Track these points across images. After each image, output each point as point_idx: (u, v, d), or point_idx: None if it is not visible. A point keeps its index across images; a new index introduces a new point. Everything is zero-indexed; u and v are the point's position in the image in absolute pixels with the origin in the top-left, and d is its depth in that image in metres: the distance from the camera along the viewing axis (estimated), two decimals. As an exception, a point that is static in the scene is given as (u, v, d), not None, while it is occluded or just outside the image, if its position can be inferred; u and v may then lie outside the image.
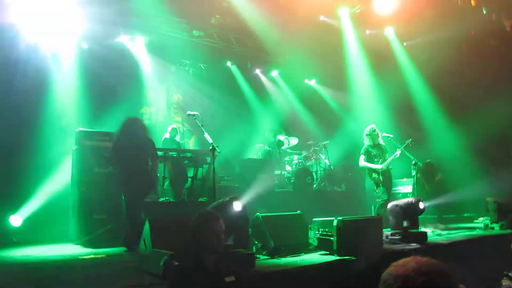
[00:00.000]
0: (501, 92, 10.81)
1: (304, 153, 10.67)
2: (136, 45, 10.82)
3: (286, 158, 10.76)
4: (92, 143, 7.40)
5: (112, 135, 7.60)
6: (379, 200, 7.89)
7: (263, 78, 13.44)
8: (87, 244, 6.56)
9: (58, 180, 7.90)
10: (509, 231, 6.91)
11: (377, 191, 8.01)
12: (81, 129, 7.56)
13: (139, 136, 6.25)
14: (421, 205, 6.16)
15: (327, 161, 10.75)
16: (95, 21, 9.52)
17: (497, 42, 11.43)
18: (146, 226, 4.67)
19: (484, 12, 10.84)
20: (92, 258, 5.41)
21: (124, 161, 6.10)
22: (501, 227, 7.34)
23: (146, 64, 11.18)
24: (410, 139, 8.03)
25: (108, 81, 9.82)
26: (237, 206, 4.49)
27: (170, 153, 8.29)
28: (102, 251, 5.89)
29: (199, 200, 8.22)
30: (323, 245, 5.20)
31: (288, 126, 12.18)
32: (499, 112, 10.56)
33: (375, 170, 7.97)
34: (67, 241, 7.02)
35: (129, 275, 4.26)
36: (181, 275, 3.10)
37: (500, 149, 10.93)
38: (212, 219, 3.21)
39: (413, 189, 8.88)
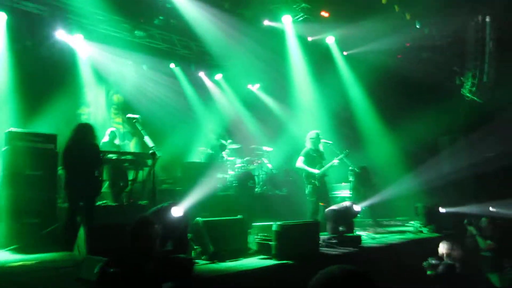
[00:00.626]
0: (432, 101, 11.52)
1: (246, 157, 10.75)
2: (74, 43, 10.38)
3: (229, 162, 10.78)
4: (24, 144, 7.02)
5: (46, 136, 7.28)
6: (314, 205, 8.02)
7: (207, 81, 13.39)
8: (17, 249, 6.22)
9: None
10: (436, 234, 7.35)
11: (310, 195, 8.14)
12: (12, 129, 7.15)
13: (86, 142, 6.23)
14: (356, 207, 6.42)
15: (269, 165, 10.89)
16: (30, 16, 9.09)
17: (429, 54, 12.14)
18: (81, 231, 4.51)
19: (418, 26, 11.46)
20: (21, 265, 5.13)
21: (70, 165, 6.13)
22: (429, 231, 7.80)
23: (85, 62, 10.75)
24: (348, 151, 8.28)
25: (43, 80, 9.38)
26: (175, 211, 4.42)
27: (109, 155, 8.04)
28: (32, 257, 5.60)
29: (139, 203, 8.03)
30: (262, 249, 5.27)
31: (231, 130, 12.22)
32: (430, 120, 11.26)
33: (311, 174, 8.02)
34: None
35: (62, 282, 4.09)
36: (117, 281, 3.03)
37: (431, 154, 11.60)
38: (146, 225, 3.18)
39: (351, 193, 9.25)
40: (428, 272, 5.52)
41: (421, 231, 7.87)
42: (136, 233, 3.15)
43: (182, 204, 4.78)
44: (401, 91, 11.43)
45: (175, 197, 8.76)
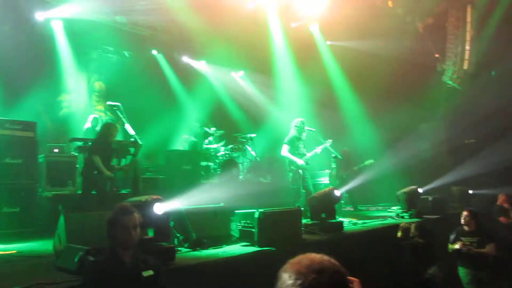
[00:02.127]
0: (413, 87, 11.65)
1: (230, 145, 10.73)
2: (53, 28, 10.15)
3: (212, 150, 10.75)
4: (2, 132, 6.90)
5: (25, 124, 7.15)
6: (296, 192, 8.10)
7: (190, 68, 13.26)
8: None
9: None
10: (416, 219, 7.48)
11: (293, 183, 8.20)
12: (-10, 116, 7.02)
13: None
14: (337, 192, 6.48)
15: (253, 153, 10.90)
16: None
17: (411, 43, 12.20)
18: (61, 220, 4.47)
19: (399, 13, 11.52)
20: (0, 254, 5.07)
21: None
22: (410, 216, 7.93)
23: (64, 49, 10.52)
24: (331, 140, 8.36)
25: (22, 65, 9.16)
26: (158, 208, 4.29)
27: (90, 143, 7.94)
28: (12, 247, 5.55)
29: (122, 192, 7.98)
30: (244, 236, 5.29)
31: (214, 117, 12.15)
32: (411, 107, 11.40)
33: (295, 163, 8.06)
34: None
35: (42, 271, 4.06)
36: (97, 270, 3.03)
37: (411, 141, 11.76)
38: (125, 213, 3.15)
39: (329, 179, 9.31)
40: None
41: (402, 217, 8.00)
42: (114, 222, 3.13)
43: (166, 201, 4.56)
44: (383, 78, 11.48)
45: (158, 187, 8.80)
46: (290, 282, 1.34)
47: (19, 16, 9.35)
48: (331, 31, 12.33)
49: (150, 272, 3.17)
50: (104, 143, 6.80)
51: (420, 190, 8.46)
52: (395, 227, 6.65)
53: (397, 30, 12.11)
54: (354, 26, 11.57)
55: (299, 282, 1.32)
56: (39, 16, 9.68)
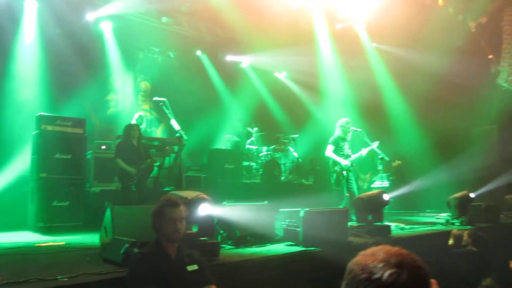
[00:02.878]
0: (464, 90, 11.14)
1: (272, 145, 10.66)
2: (102, 30, 10.46)
3: (254, 150, 10.72)
4: (53, 128, 7.13)
5: (75, 120, 7.36)
6: (339, 194, 7.87)
7: (233, 68, 13.30)
8: (45, 231, 6.32)
9: (17, 165, 7.59)
10: (468, 227, 7.09)
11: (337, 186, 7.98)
12: (42, 113, 7.26)
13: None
14: (385, 196, 6.23)
15: (295, 154, 10.78)
16: (59, 2, 9.19)
17: (463, 43, 11.71)
18: (107, 213, 4.51)
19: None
20: (49, 246, 5.20)
21: None
22: (461, 223, 7.53)
23: (113, 50, 10.82)
24: (378, 142, 8.08)
25: (72, 65, 9.49)
26: (203, 210, 4.18)
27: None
28: (61, 239, 5.68)
29: (165, 189, 8.06)
30: (289, 235, 5.17)
31: (257, 118, 12.13)
32: (463, 111, 10.90)
33: (338, 163, 7.83)
34: (26, 229, 6.75)
35: (88, 263, 4.10)
36: (142, 262, 2.99)
37: (463, 146, 11.25)
38: (170, 205, 3.09)
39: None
40: None
41: (453, 223, 7.62)
42: (161, 214, 3.08)
43: (211, 201, 4.35)
44: (432, 80, 11.06)
45: (200, 186, 8.84)
46: (363, 276, 1.18)
47: (71, 19, 9.67)
48: (378, 32, 12.02)
49: (195, 267, 3.12)
50: (126, 144, 6.89)
51: (472, 195, 8.01)
52: (446, 233, 6.35)
53: (448, 30, 11.63)
54: (402, 27, 11.22)
55: (375, 277, 1.16)
56: (89, 17, 9.97)
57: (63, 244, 5.31)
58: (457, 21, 11.96)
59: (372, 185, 10.15)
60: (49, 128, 7.09)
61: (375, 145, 7.98)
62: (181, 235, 3.12)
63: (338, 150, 7.87)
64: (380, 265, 1.18)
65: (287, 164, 10.79)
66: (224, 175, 9.07)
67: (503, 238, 7.48)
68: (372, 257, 1.22)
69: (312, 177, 10.70)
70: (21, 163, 7.52)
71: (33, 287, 3.15)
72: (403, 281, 1.16)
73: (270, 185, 9.44)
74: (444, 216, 8.26)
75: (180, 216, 3.10)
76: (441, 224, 7.77)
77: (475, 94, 11.39)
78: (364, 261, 1.22)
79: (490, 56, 12.03)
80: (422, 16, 11.09)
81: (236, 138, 10.74)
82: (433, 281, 1.32)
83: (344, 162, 7.79)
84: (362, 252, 1.27)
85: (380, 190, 6.65)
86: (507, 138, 11.05)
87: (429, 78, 11.23)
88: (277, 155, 10.53)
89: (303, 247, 4.88)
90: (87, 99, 9.76)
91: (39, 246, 5.18)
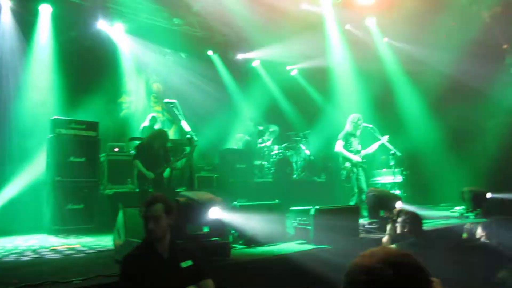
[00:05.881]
0: (478, 82, 10.96)
1: (284, 144, 10.65)
2: (115, 32, 10.58)
3: (266, 148, 10.72)
4: (68, 132, 7.26)
5: (88, 124, 7.47)
6: (350, 190, 7.84)
7: (244, 67, 13.32)
8: (60, 233, 6.45)
9: (33, 169, 7.74)
10: (483, 219, 7.01)
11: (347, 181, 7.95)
12: (56, 117, 7.39)
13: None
14: (398, 204, 6.18)
15: (307, 152, 10.76)
16: (73, 7, 9.32)
17: (477, 34, 11.51)
18: (120, 215, 4.59)
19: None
20: (65, 248, 5.31)
21: None
22: (476, 216, 7.45)
23: (125, 52, 10.94)
24: (388, 136, 8.02)
25: (85, 69, 9.63)
26: (213, 213, 4.18)
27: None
28: (75, 242, 5.79)
29: (178, 190, 8.12)
30: (300, 234, 5.19)
31: (269, 116, 12.12)
32: (477, 102, 10.75)
33: (350, 160, 7.81)
34: (41, 231, 6.89)
35: (103, 265, 4.19)
36: (132, 263, 2.95)
37: (477, 138, 11.09)
38: (146, 205, 3.06)
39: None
40: None
41: (467, 217, 7.53)
42: (141, 213, 3.09)
43: (223, 204, 4.30)
44: (445, 72, 10.90)
45: (212, 186, 8.88)
46: (362, 278, 1.17)
47: (83, 22, 9.80)
48: (389, 25, 11.87)
49: (189, 263, 3.07)
50: (148, 147, 6.85)
51: (489, 195, 7.90)
52: (460, 227, 6.31)
53: (461, 21, 11.44)
54: (413, 19, 11.07)
55: (372, 278, 1.15)
56: (102, 21, 10.07)
57: (77, 247, 5.41)
58: (471, 11, 11.75)
59: (384, 181, 10.04)
60: (63, 131, 7.23)
61: (385, 139, 7.93)
62: (159, 233, 3.02)
63: (347, 145, 7.84)
64: (379, 266, 1.16)
65: (299, 162, 10.77)
66: (236, 174, 9.11)
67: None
68: (371, 258, 1.20)
69: (324, 174, 10.67)
70: (37, 166, 7.65)
71: (47, 290, 3.23)
72: (401, 282, 1.14)
73: (282, 184, 9.44)
74: (458, 209, 8.17)
75: (154, 214, 3.02)
76: (456, 217, 7.70)
77: (489, 85, 11.20)
78: (362, 262, 1.20)
79: (505, 46, 11.81)
80: (434, 8, 10.93)
81: (247, 137, 10.76)
82: (436, 280, 1.32)
83: (355, 158, 7.77)
84: (361, 253, 1.25)
85: (395, 195, 6.60)
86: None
87: (442, 71, 11.08)
88: (288, 153, 10.52)
89: (314, 245, 4.89)
90: (100, 101, 9.89)
91: (54, 248, 5.28)
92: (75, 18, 9.59)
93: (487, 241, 5.55)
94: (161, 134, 7.18)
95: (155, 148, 6.86)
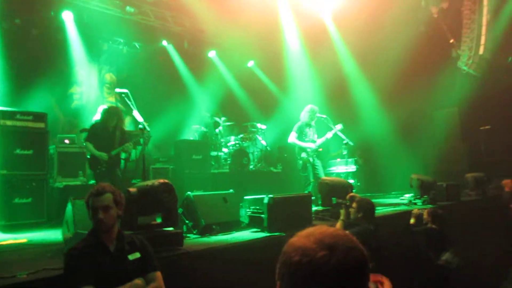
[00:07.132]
0: (427, 74, 11.41)
1: (240, 134, 10.68)
2: (64, 20, 10.16)
3: (222, 140, 10.71)
4: (13, 123, 6.93)
5: (36, 115, 7.17)
6: (306, 180, 8.00)
7: (200, 58, 13.19)
8: (7, 229, 6.19)
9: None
10: (430, 206, 7.33)
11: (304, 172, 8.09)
12: (1, 108, 7.05)
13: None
14: (349, 180, 6.38)
15: (263, 142, 10.83)
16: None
17: (425, 28, 11.94)
18: (69, 207, 4.46)
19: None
20: (10, 243, 5.10)
21: None
22: (423, 203, 7.77)
23: (75, 41, 10.52)
24: (341, 125, 8.21)
25: (33, 58, 9.24)
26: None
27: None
28: (22, 236, 5.58)
29: (132, 182, 7.98)
30: (254, 222, 5.23)
31: (225, 107, 12.10)
32: (425, 94, 11.19)
33: (304, 149, 7.95)
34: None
35: (50, 258, 4.05)
36: (76, 257, 2.84)
37: (426, 128, 11.55)
38: (94, 195, 2.97)
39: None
40: None
41: (415, 203, 7.84)
42: (87, 203, 2.98)
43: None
44: (396, 65, 11.25)
45: (168, 177, 8.77)
46: (295, 259, 1.13)
47: (31, 9, 9.37)
48: (343, 19, 12.11)
49: (137, 255, 3.01)
50: (101, 129, 6.55)
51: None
52: (408, 213, 6.55)
53: (411, 16, 11.83)
54: (366, 14, 11.35)
55: (305, 259, 1.11)
56: (51, 8, 9.66)
57: (25, 242, 5.21)
58: (420, 6, 12.18)
59: (338, 170, 10.29)
60: (8, 123, 6.88)
61: (338, 127, 8.13)
62: (107, 224, 2.95)
63: (303, 136, 8.02)
64: (313, 246, 1.13)
65: (256, 153, 10.83)
66: (192, 166, 9.04)
67: (463, 215, 7.80)
68: (306, 239, 1.17)
69: (280, 164, 10.79)
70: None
71: (-10, 285, 3.10)
72: (335, 262, 1.10)
73: (239, 174, 9.47)
74: (407, 197, 8.49)
75: (102, 204, 2.94)
76: (404, 204, 8.00)
77: (437, 78, 11.69)
78: (297, 243, 1.17)
79: (452, 41, 12.31)
80: (386, 3, 11.23)
81: (203, 129, 10.69)
82: (385, 280, 1.31)
83: (309, 145, 7.94)
84: (298, 233, 1.21)
85: (348, 183, 6.79)
86: (467, 120, 11.43)
87: (392, 63, 11.43)
88: (245, 144, 10.55)
89: (268, 232, 4.95)
90: (49, 92, 9.51)
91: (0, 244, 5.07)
92: (21, 5, 9.14)
93: (433, 226, 5.82)
94: (117, 111, 6.79)
95: (110, 129, 6.56)
